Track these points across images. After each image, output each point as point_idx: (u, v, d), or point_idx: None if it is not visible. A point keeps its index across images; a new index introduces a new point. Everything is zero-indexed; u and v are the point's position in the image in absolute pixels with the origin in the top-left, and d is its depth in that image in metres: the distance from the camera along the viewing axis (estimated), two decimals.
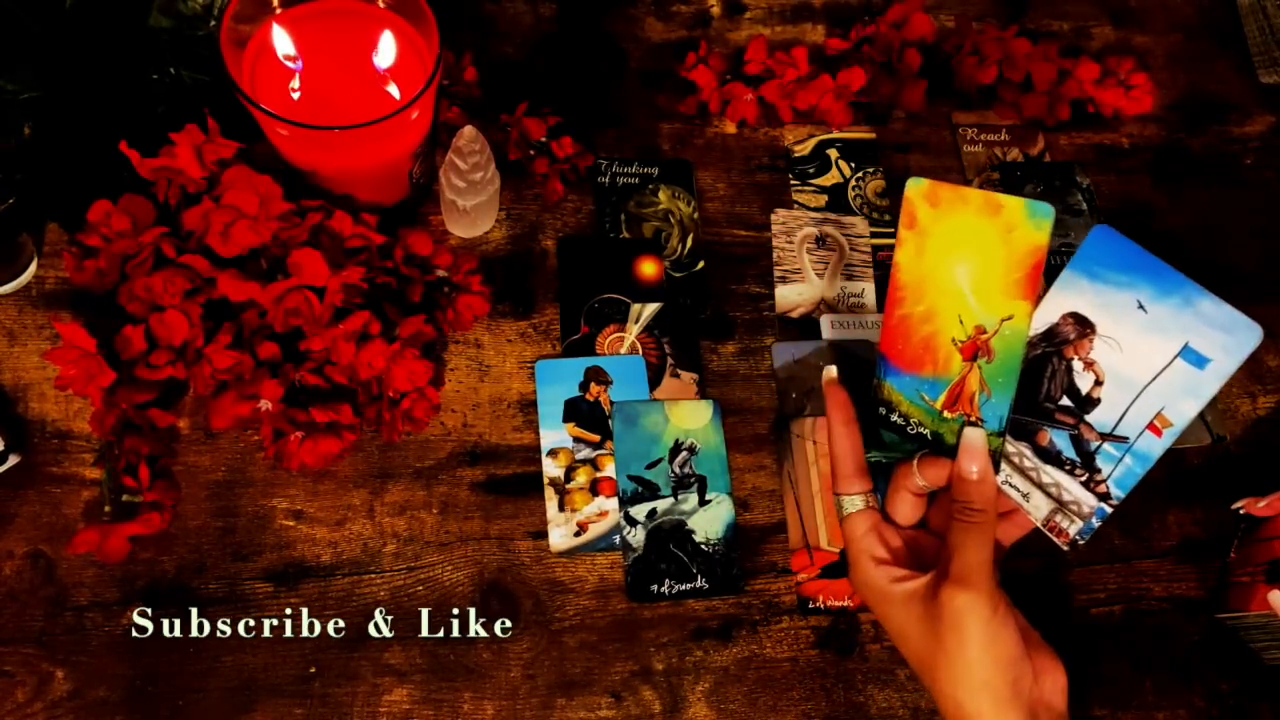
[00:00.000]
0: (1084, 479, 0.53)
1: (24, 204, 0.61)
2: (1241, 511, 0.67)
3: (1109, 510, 0.53)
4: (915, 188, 0.53)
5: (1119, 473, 0.53)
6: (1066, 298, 0.53)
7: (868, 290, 0.73)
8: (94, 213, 0.59)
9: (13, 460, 0.60)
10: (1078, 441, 0.53)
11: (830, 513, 0.66)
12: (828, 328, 0.71)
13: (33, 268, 0.65)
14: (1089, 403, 0.53)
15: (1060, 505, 0.54)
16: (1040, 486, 0.55)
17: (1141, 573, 0.68)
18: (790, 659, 0.63)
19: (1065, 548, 0.55)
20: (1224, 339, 0.50)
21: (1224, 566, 0.68)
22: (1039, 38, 0.82)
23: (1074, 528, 0.54)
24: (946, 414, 0.55)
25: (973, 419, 0.54)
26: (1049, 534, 0.55)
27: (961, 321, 0.53)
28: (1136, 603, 0.67)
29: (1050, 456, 0.54)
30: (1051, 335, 0.53)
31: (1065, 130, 0.81)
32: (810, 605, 0.64)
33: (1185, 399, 0.51)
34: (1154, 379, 0.51)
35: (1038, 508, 0.55)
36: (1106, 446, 0.53)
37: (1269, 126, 0.85)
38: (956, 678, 0.50)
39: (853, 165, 0.78)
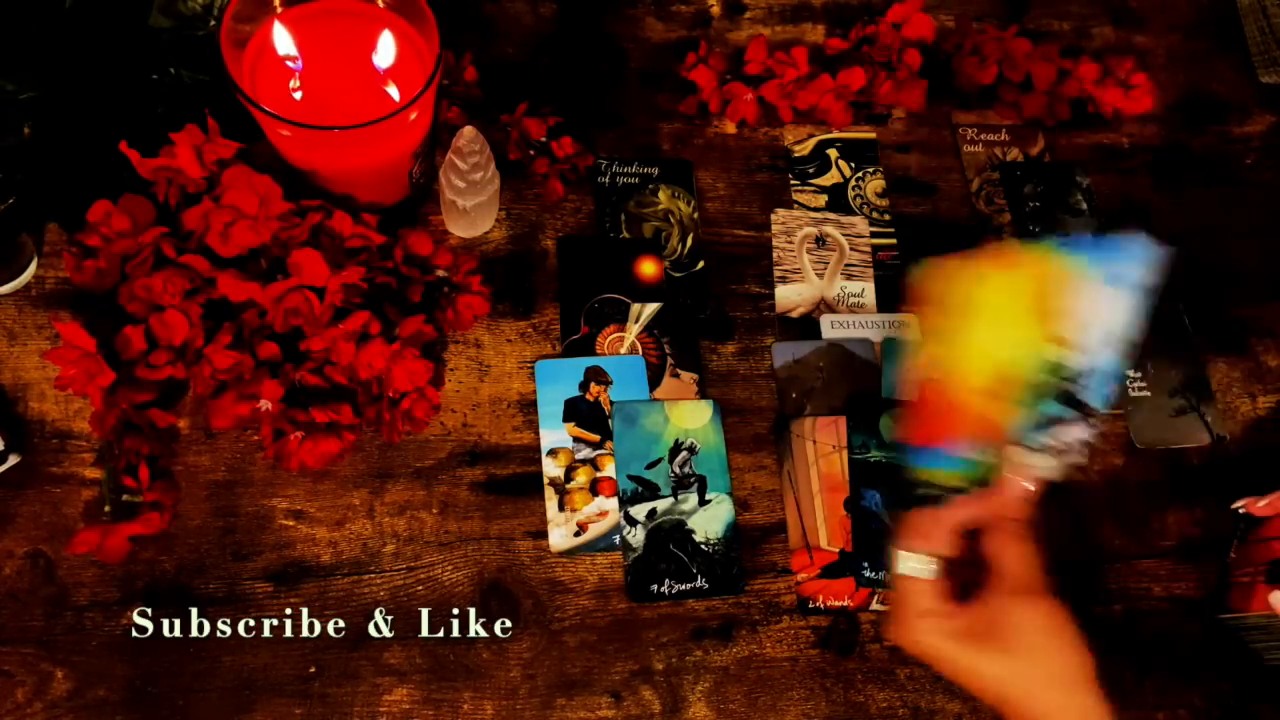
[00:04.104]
0: (1077, 419, 0.56)
1: (24, 204, 0.61)
2: (1241, 511, 0.67)
3: (1096, 422, 0.56)
4: (917, 272, 0.56)
5: (1098, 395, 0.56)
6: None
7: (868, 290, 0.73)
8: (94, 213, 0.59)
9: (13, 460, 0.60)
10: (1068, 397, 0.56)
11: (830, 512, 0.66)
12: (828, 328, 0.71)
13: (33, 268, 0.65)
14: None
15: (1063, 450, 0.57)
16: (1045, 451, 0.57)
17: (1141, 573, 0.68)
18: (790, 659, 0.63)
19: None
20: (1139, 263, 0.54)
21: (1224, 566, 0.68)
22: (1039, 38, 0.82)
23: (1071, 456, 0.57)
24: (979, 459, 0.56)
25: (1004, 444, 0.56)
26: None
27: (985, 371, 0.56)
28: (1136, 603, 0.67)
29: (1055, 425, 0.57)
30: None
31: (1065, 130, 0.81)
32: (810, 605, 0.64)
33: (1129, 317, 0.55)
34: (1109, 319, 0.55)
35: (1049, 468, 0.57)
36: (1090, 385, 0.56)
37: (1269, 126, 0.85)
38: (1054, 677, 0.51)
39: (853, 165, 0.78)
